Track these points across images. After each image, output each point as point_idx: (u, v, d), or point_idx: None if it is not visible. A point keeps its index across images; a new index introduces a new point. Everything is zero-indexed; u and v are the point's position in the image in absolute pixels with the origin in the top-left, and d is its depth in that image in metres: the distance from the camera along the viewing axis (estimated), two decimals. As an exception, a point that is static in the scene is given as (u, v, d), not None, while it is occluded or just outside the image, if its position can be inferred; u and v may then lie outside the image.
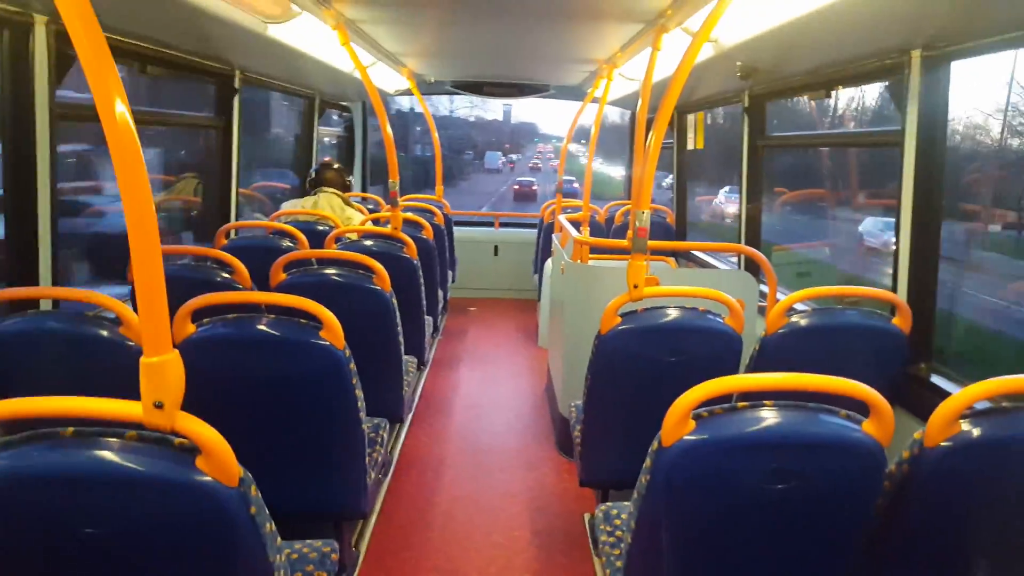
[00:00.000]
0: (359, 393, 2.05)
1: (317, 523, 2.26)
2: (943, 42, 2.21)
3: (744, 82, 3.55)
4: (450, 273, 5.54)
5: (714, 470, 1.36)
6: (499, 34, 3.71)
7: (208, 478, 1.13)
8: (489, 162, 38.28)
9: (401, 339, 2.80)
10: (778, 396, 1.40)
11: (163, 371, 1.09)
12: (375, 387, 2.63)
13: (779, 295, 2.94)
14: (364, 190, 6.56)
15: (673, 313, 2.21)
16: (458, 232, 6.22)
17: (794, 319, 2.28)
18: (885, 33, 2.29)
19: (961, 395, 1.35)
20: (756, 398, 1.40)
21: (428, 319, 3.83)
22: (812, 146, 4.50)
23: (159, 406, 1.10)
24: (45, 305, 2.35)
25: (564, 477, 3.23)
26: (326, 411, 2.02)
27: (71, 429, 1.15)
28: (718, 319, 2.22)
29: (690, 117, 5.07)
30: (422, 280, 3.45)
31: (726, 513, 1.41)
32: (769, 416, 1.36)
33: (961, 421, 1.36)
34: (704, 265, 4.59)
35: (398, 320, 2.75)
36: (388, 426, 2.63)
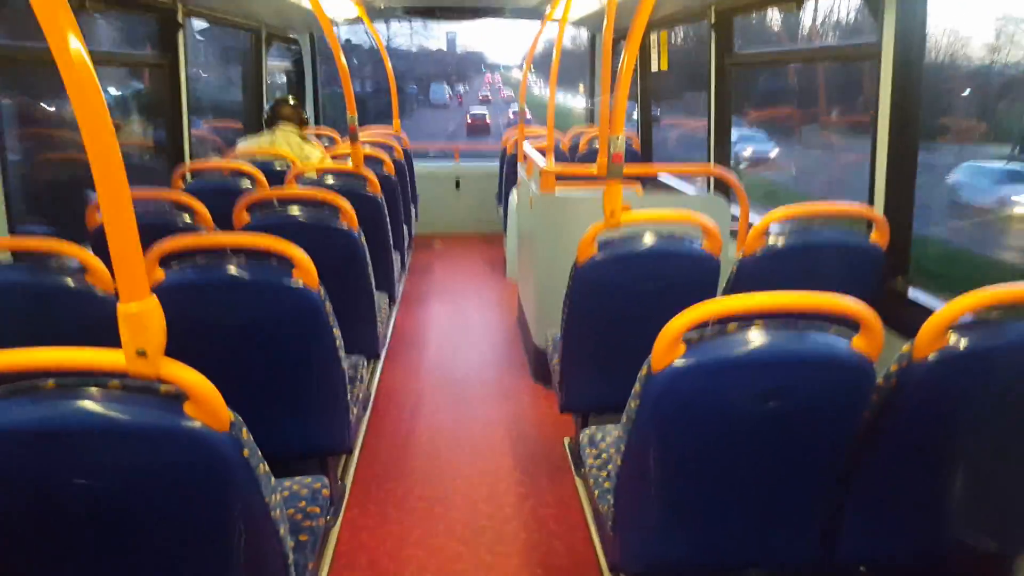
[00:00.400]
0: (336, 332, 2.02)
1: (303, 461, 2.27)
2: None
3: None
4: (413, 209, 5.45)
5: (705, 393, 1.38)
6: None
7: (198, 424, 1.10)
8: (435, 96, 36.42)
9: (372, 276, 2.76)
10: (766, 317, 1.41)
11: (143, 318, 1.05)
12: (350, 325, 2.60)
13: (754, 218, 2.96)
14: (317, 125, 6.34)
15: (650, 240, 2.20)
16: (418, 166, 6.09)
17: (771, 240, 2.30)
18: None
19: (949, 308, 1.38)
20: (743, 320, 1.41)
21: (396, 255, 3.78)
22: (784, 63, 4.46)
23: (142, 354, 1.06)
24: (3, 257, 2.24)
25: (541, 404, 3.28)
26: (305, 352, 2.00)
27: (51, 381, 1.11)
28: (696, 244, 2.22)
29: (653, 36, 4.95)
30: (388, 217, 3.38)
31: (717, 434, 1.44)
32: (759, 337, 1.37)
33: (949, 333, 1.39)
34: (671, 192, 4.58)
35: (368, 258, 2.70)
36: (366, 363, 2.62)
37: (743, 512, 1.57)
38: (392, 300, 3.59)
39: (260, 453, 1.22)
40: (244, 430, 1.18)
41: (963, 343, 1.38)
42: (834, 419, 1.43)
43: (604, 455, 1.89)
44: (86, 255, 1.90)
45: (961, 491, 1.58)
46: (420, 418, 3.17)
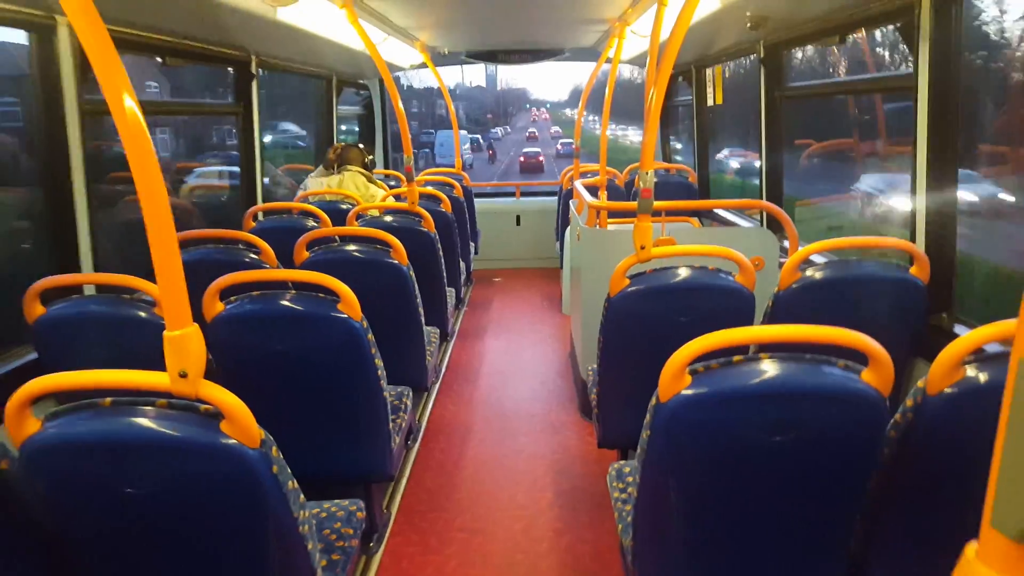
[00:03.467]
0: (379, 362, 2.13)
1: (348, 487, 2.37)
2: None
3: (758, 32, 3.49)
4: (472, 245, 5.61)
5: (711, 423, 1.39)
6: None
7: (232, 440, 1.22)
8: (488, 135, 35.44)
9: (420, 310, 2.88)
10: (783, 350, 1.42)
11: (185, 343, 1.18)
12: (397, 357, 2.72)
13: None
14: (386, 167, 6.63)
15: (683, 273, 2.23)
16: (479, 204, 6.26)
17: (808, 272, 2.28)
18: None
19: (964, 339, 1.34)
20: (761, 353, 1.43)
21: (450, 290, 3.91)
22: (829, 94, 4.40)
23: (183, 376, 1.19)
24: (88, 291, 2.49)
25: (587, 440, 3.30)
26: (348, 379, 2.12)
27: (109, 400, 1.25)
28: (729, 277, 2.23)
29: (708, 72, 4.99)
30: (441, 252, 3.52)
31: (726, 465, 1.44)
32: (766, 368, 1.38)
33: (966, 367, 1.36)
34: (728, 226, 4.55)
35: (416, 292, 2.82)
36: (411, 394, 2.72)
37: (762, 547, 1.55)
38: (444, 334, 3.70)
39: (290, 471, 1.33)
40: (274, 448, 1.29)
41: (981, 376, 1.35)
42: (848, 454, 1.41)
43: (629, 489, 1.91)
44: (156, 290, 2.10)
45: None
46: (467, 450, 3.24)
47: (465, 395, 3.90)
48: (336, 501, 1.89)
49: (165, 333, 1.19)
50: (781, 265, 3.18)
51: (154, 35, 2.95)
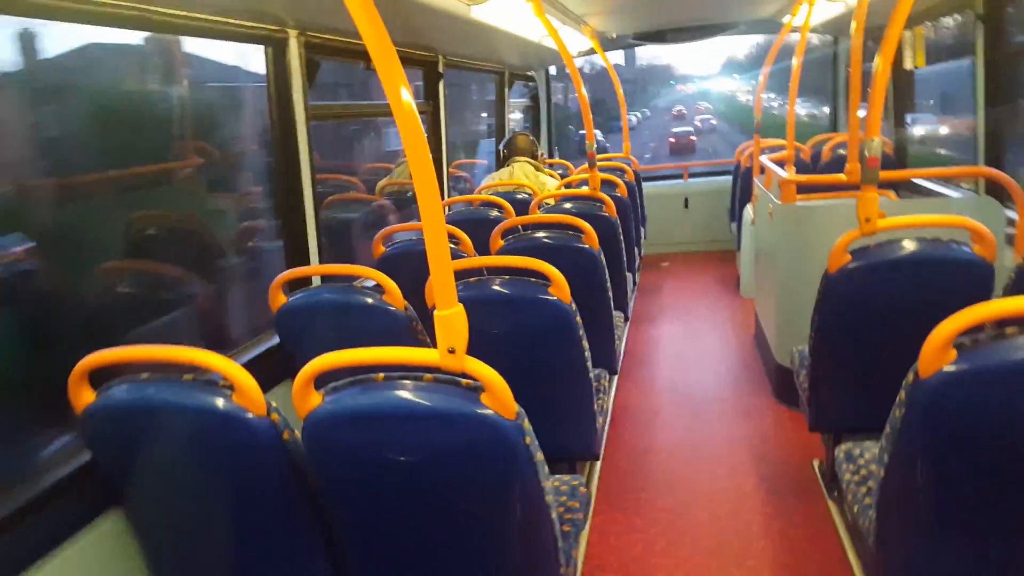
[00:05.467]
0: (585, 344, 2.18)
1: (555, 465, 2.46)
2: None
3: None
4: (642, 229, 5.55)
5: (979, 401, 1.29)
6: None
7: (491, 412, 1.31)
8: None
9: (611, 294, 2.91)
10: None
11: (453, 322, 1.28)
12: (593, 340, 2.77)
13: None
14: (551, 156, 6.72)
15: (911, 246, 2.07)
16: (647, 187, 6.17)
17: None
18: None
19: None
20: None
21: (628, 275, 3.91)
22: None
23: (452, 352, 1.30)
24: (316, 281, 2.76)
25: (786, 425, 3.17)
26: (558, 360, 2.19)
27: (382, 375, 1.39)
28: (965, 248, 2.05)
29: (907, 33, 4.56)
30: (622, 237, 3.52)
31: (991, 447, 1.34)
32: None
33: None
34: (932, 196, 4.16)
35: (607, 276, 2.85)
36: (608, 377, 2.76)
37: (1014, 523, 1.42)
38: (626, 318, 3.71)
39: (538, 443, 1.41)
40: (527, 421, 1.37)
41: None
42: None
43: (864, 471, 1.82)
44: (382, 277, 2.28)
45: None
46: (657, 432, 3.24)
47: (646, 379, 3.89)
48: (558, 476, 1.97)
49: (436, 312, 1.30)
50: (1009, 237, 2.86)
51: (358, 41, 3.19)
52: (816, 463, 2.79)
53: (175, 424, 1.45)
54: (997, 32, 3.39)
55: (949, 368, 1.30)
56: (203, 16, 2.22)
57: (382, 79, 1.23)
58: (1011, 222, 2.95)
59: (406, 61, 3.82)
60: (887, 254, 2.08)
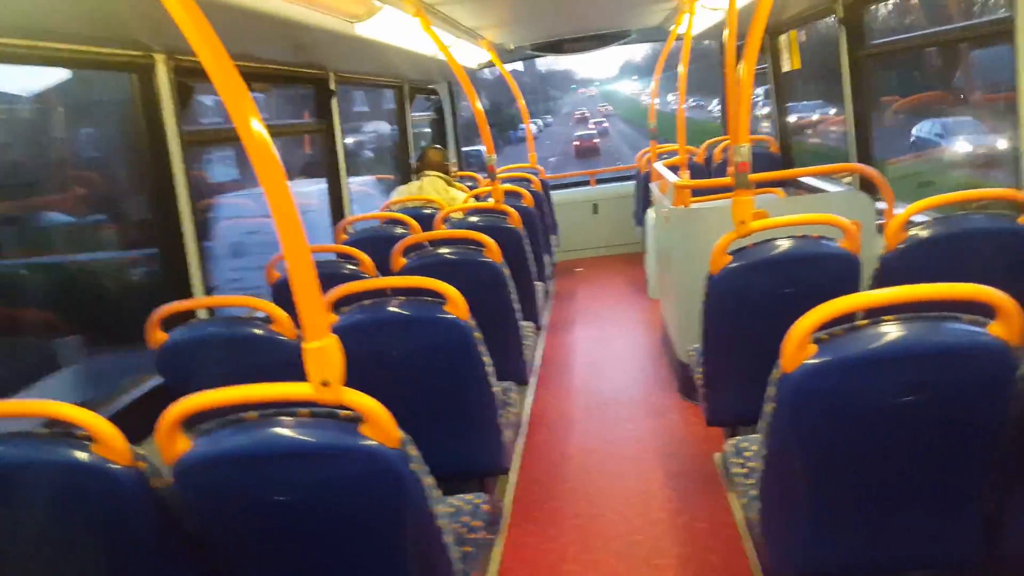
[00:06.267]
0: (487, 359, 2.18)
1: (463, 483, 2.44)
2: None
3: None
4: (553, 237, 5.62)
5: (839, 391, 1.37)
6: None
7: (373, 442, 1.28)
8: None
9: (517, 306, 2.92)
10: (901, 312, 1.38)
11: (325, 353, 1.25)
12: (498, 353, 2.77)
13: (899, 211, 2.81)
14: (460, 168, 6.72)
15: (784, 244, 2.18)
16: (556, 195, 6.26)
17: (913, 232, 2.20)
18: None
19: None
20: (880, 316, 1.39)
21: (538, 284, 3.94)
22: (916, 48, 4.18)
23: (326, 384, 1.26)
24: (202, 314, 2.65)
25: (690, 420, 3.27)
26: (459, 378, 2.17)
27: (255, 413, 1.33)
28: (833, 244, 2.17)
29: (782, 37, 4.82)
30: (529, 247, 3.55)
31: (856, 431, 1.42)
32: (891, 330, 1.35)
33: None
34: (816, 193, 4.40)
35: (512, 288, 2.87)
36: (516, 388, 2.77)
37: (895, 511, 1.51)
38: (538, 328, 3.74)
39: (427, 468, 1.39)
40: (412, 447, 1.34)
41: None
42: (980, 409, 1.36)
43: (750, 464, 1.89)
44: (271, 307, 2.21)
45: None
46: (572, 440, 3.27)
47: (563, 386, 3.93)
48: (460, 496, 1.95)
49: (305, 344, 1.26)
50: (879, 228, 3.06)
51: (240, 62, 3.10)
52: (717, 457, 2.89)
53: (32, 482, 1.35)
54: (858, 35, 3.63)
55: (811, 361, 1.37)
56: (58, 45, 2.10)
57: (226, 104, 1.18)
58: (881, 213, 3.16)
59: (295, 79, 3.74)
60: (762, 253, 2.17)
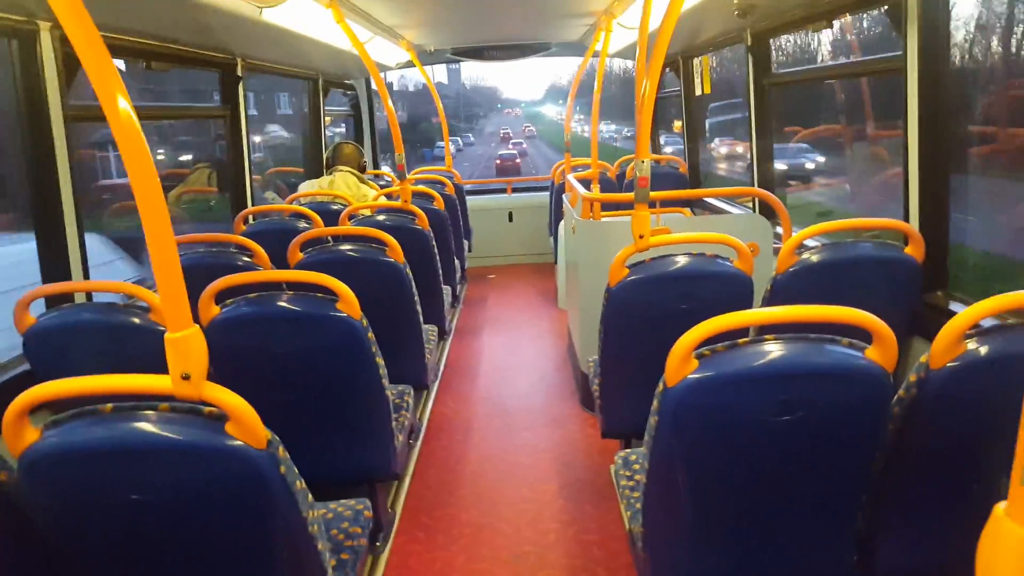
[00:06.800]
0: (380, 361, 2.12)
1: (352, 488, 2.37)
2: None
3: (745, 20, 3.50)
4: (466, 242, 5.59)
5: (719, 406, 1.39)
6: None
7: (238, 442, 1.21)
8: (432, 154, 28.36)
9: (419, 308, 2.87)
10: (787, 332, 1.42)
11: (187, 345, 1.17)
12: (397, 356, 2.71)
13: None
14: (375, 167, 6.60)
15: (681, 260, 2.23)
16: (471, 201, 6.25)
17: (804, 256, 2.29)
18: None
19: (964, 314, 1.36)
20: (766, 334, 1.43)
21: (446, 288, 3.90)
22: (816, 79, 4.42)
23: (186, 378, 1.18)
24: (80, 298, 2.46)
25: (588, 432, 3.30)
26: (349, 379, 2.10)
27: (110, 405, 1.23)
28: (727, 263, 2.24)
29: (696, 61, 5.00)
30: (436, 250, 3.50)
31: (736, 447, 1.44)
32: (771, 349, 1.38)
33: (967, 340, 1.37)
34: (720, 213, 4.57)
35: (414, 289, 2.81)
36: (413, 392, 2.71)
37: (773, 527, 1.56)
38: (442, 332, 3.69)
39: (297, 471, 1.32)
40: (281, 448, 1.27)
41: (982, 349, 1.36)
42: (855, 431, 1.42)
43: (637, 476, 1.91)
44: (149, 295, 2.08)
45: (992, 499, 1.53)
46: (469, 446, 3.24)
47: (465, 392, 3.90)
48: (342, 501, 1.88)
49: (167, 335, 1.17)
50: (776, 251, 3.20)
51: (137, 39, 2.92)
52: (611, 468, 2.93)
53: None
54: (763, 64, 3.80)
55: (692, 376, 1.38)
56: None
57: (92, 78, 1.09)
58: (779, 237, 3.31)
59: (201, 62, 3.56)
60: (659, 268, 2.22)
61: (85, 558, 1.34)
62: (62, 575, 1.35)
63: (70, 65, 2.43)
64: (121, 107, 1.09)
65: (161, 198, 1.14)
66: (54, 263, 2.46)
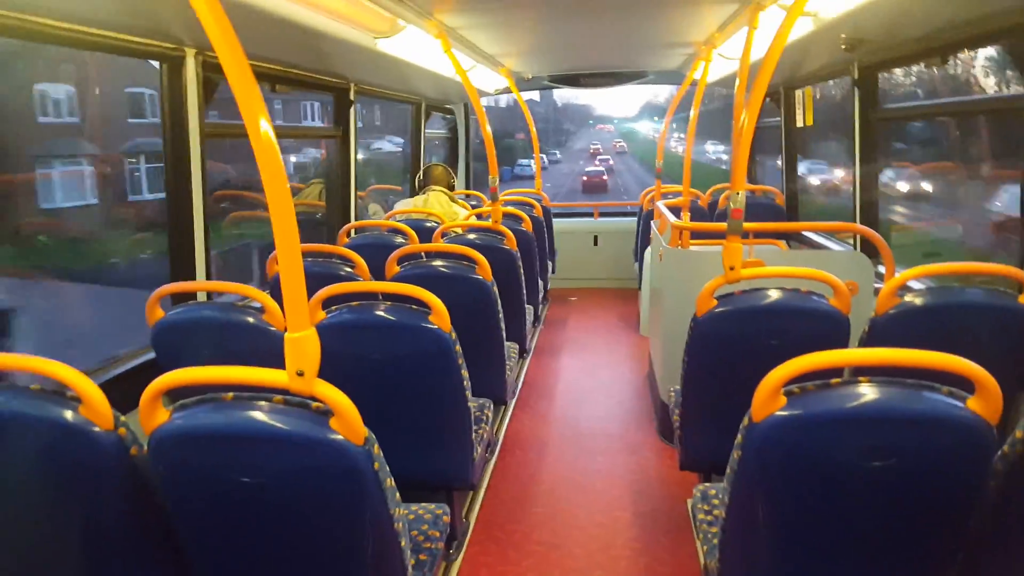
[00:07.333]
0: (464, 373, 2.21)
1: (430, 493, 2.45)
2: None
3: (851, 54, 3.43)
4: (550, 263, 5.66)
5: (805, 446, 1.37)
6: (595, 25, 3.77)
7: (340, 436, 1.31)
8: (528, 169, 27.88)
9: (502, 325, 2.95)
10: (884, 375, 1.37)
11: (303, 344, 1.29)
12: (479, 370, 2.80)
13: None
14: (467, 187, 6.79)
15: (773, 295, 2.20)
16: (558, 223, 6.32)
17: (907, 298, 2.21)
18: None
19: None
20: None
21: (529, 308, 3.97)
22: (933, 116, 4.24)
23: (300, 374, 1.29)
24: (201, 297, 2.70)
25: (666, 462, 3.27)
26: (436, 388, 2.20)
27: (231, 394, 1.37)
28: (822, 300, 2.19)
29: (798, 93, 4.91)
30: (522, 270, 3.59)
31: (820, 489, 1.41)
32: (864, 392, 1.35)
33: None
34: (817, 248, 4.44)
35: (499, 307, 2.90)
36: (492, 407, 2.79)
37: (854, 574, 1.52)
38: (523, 350, 3.76)
39: (388, 469, 1.41)
40: (376, 446, 1.37)
41: None
42: (951, 484, 1.36)
43: (716, 511, 1.90)
44: (264, 297, 2.25)
45: None
46: (543, 465, 3.27)
47: (541, 411, 3.94)
48: (423, 504, 1.96)
49: (286, 335, 1.29)
50: (876, 291, 3.09)
51: (265, 64, 3.18)
52: (689, 502, 2.89)
53: (19, 434, 1.39)
54: (871, 98, 3.70)
55: (780, 413, 1.37)
56: (96, 31, 2.18)
57: (239, 102, 1.23)
58: (881, 276, 3.19)
59: (318, 86, 3.81)
60: (748, 301, 2.20)
61: (196, 528, 1.48)
62: (176, 539, 1.49)
63: (209, 87, 2.68)
64: (262, 127, 1.22)
65: (292, 211, 1.27)
66: (182, 264, 2.71)
